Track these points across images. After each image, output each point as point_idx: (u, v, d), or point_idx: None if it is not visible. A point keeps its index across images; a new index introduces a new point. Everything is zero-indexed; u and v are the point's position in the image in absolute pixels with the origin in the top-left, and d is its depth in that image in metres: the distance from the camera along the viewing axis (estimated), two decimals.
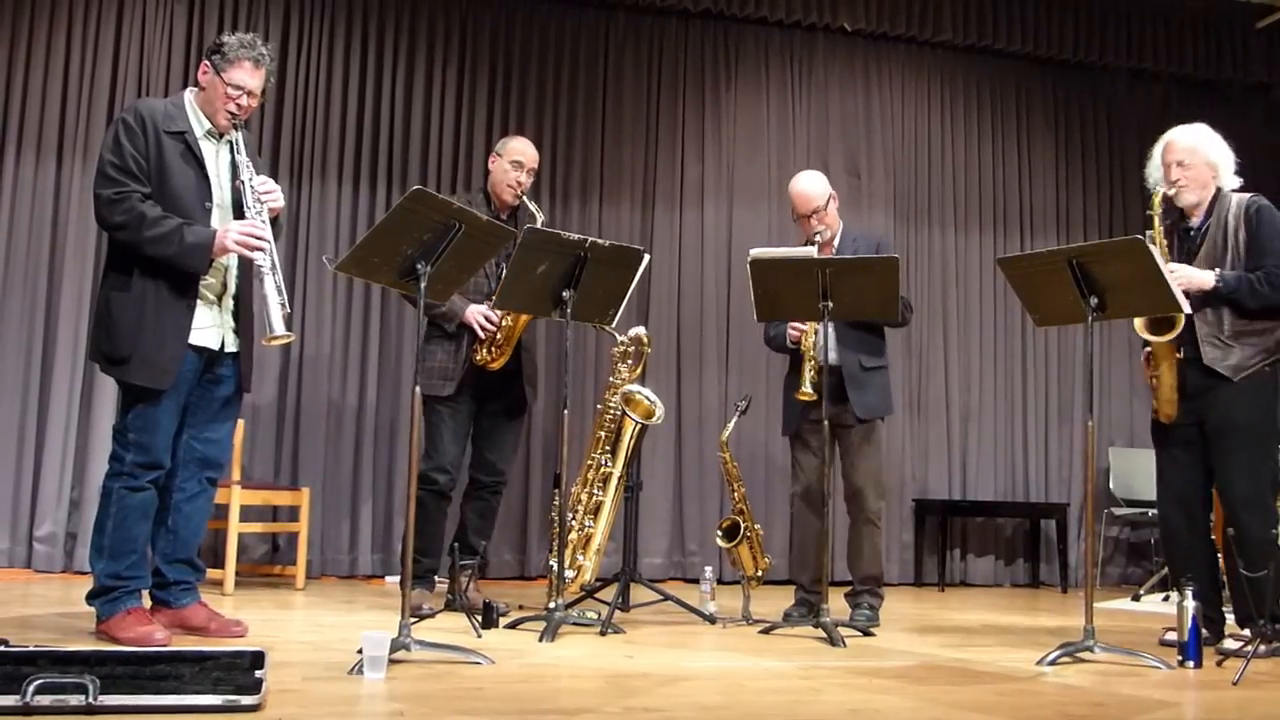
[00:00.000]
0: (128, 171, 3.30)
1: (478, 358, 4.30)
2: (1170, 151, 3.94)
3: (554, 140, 6.31)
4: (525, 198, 4.39)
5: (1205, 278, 3.74)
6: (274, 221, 3.48)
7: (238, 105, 3.43)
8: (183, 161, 3.38)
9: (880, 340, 4.40)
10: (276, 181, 3.54)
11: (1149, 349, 3.86)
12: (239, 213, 3.43)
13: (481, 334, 4.27)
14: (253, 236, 3.33)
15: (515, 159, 4.42)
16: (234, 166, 3.46)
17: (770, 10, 6.48)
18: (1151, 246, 3.44)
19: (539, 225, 4.09)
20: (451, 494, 4.38)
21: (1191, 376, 3.81)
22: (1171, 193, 3.90)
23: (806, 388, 4.17)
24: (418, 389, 3.29)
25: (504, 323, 4.28)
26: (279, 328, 3.27)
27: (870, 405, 4.29)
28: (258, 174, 3.45)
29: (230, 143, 3.47)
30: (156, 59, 5.75)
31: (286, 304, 3.32)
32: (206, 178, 3.42)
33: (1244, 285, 3.71)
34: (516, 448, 4.69)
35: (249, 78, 3.44)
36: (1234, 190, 3.91)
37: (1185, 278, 3.68)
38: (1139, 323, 3.76)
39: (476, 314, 4.27)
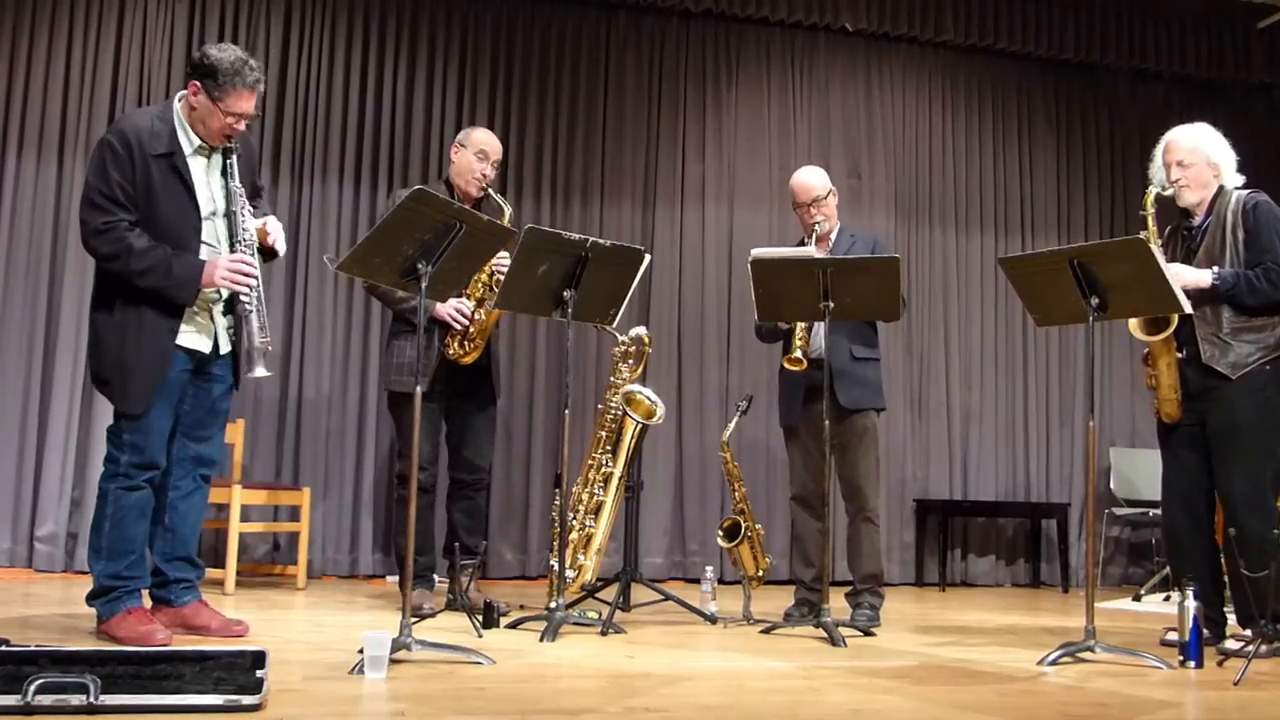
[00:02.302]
0: (114, 200, 3.26)
1: (449, 352, 4.25)
2: (1170, 151, 3.94)
3: (555, 140, 6.31)
4: (490, 190, 4.35)
5: (1201, 276, 3.73)
6: (273, 251, 3.52)
7: (234, 129, 3.40)
8: (171, 185, 3.33)
9: (872, 331, 4.40)
10: (277, 182, 3.53)
11: (1147, 349, 3.86)
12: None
13: (456, 326, 4.24)
14: (242, 273, 3.33)
15: (480, 150, 4.36)
16: (226, 178, 3.45)
17: (771, 10, 6.48)
18: (1153, 246, 3.43)
19: (507, 218, 4.14)
20: (433, 489, 4.37)
21: (1192, 376, 3.81)
22: (1170, 193, 3.89)
23: (796, 353, 4.16)
24: (419, 389, 3.30)
25: (476, 316, 4.24)
26: (259, 369, 3.35)
27: (856, 397, 4.27)
28: (260, 180, 3.43)
29: (223, 155, 3.44)
30: (157, 59, 5.74)
31: (270, 344, 3.38)
32: (195, 201, 3.38)
33: (1242, 282, 3.70)
34: (493, 442, 4.63)
35: (248, 104, 3.40)
36: (1237, 188, 3.90)
37: (1181, 277, 3.66)
38: (1133, 323, 3.76)
39: (448, 307, 4.22)
